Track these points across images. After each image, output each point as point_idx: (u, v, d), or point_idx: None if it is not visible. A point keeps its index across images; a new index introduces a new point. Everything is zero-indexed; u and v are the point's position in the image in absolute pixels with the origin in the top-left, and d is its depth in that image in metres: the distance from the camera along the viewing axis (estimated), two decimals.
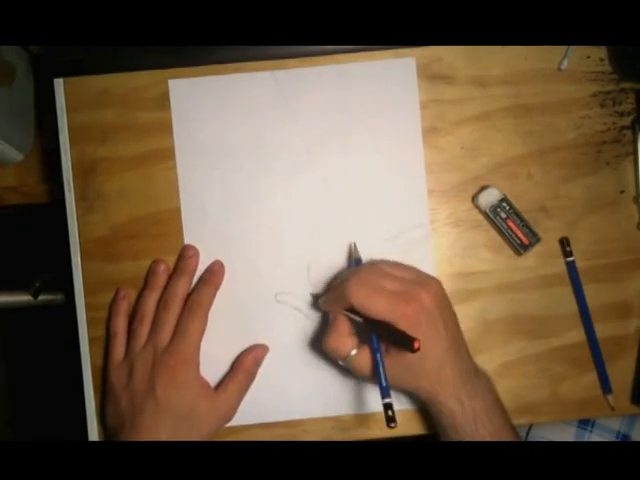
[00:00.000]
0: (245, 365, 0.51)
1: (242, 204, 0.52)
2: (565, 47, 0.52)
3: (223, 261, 0.52)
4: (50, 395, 1.01)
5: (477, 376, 0.47)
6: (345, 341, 0.46)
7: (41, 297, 0.68)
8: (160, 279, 0.51)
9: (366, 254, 0.51)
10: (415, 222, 0.52)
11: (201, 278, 0.52)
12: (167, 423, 0.48)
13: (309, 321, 0.52)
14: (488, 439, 0.45)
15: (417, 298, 0.45)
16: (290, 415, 0.52)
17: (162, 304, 0.50)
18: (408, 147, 0.52)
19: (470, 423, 0.45)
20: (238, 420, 0.51)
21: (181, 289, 0.50)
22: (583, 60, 0.53)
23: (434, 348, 0.45)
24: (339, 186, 0.52)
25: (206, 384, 0.50)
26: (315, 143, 0.52)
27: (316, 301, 0.51)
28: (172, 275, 0.51)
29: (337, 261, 0.52)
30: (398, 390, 0.49)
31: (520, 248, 0.51)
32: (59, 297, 0.69)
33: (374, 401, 0.52)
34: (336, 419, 0.52)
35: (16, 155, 0.57)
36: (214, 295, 0.51)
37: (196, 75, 0.52)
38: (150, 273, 0.52)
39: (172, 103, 0.52)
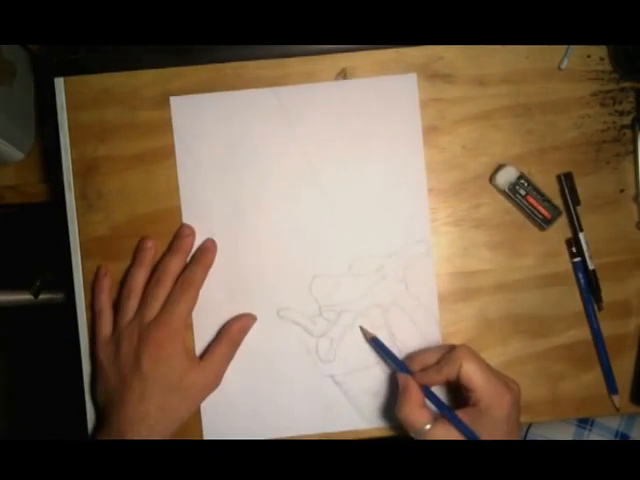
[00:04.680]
0: (231, 333, 0.50)
1: (243, 220, 0.52)
2: (565, 46, 0.52)
3: (224, 277, 0.52)
4: (50, 394, 1.01)
5: None
6: (420, 413, 0.45)
7: (41, 296, 0.68)
8: (148, 255, 0.51)
9: (367, 269, 0.52)
10: (416, 238, 0.52)
11: (193, 256, 0.51)
12: (155, 396, 0.48)
13: (311, 337, 0.52)
14: None
15: (514, 391, 0.46)
16: (292, 432, 0.52)
17: (154, 280, 0.50)
18: (410, 165, 0.52)
19: None
20: (239, 436, 0.51)
21: (174, 267, 0.50)
22: (583, 59, 0.53)
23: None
24: (340, 201, 0.52)
25: (192, 356, 0.50)
26: (316, 160, 0.52)
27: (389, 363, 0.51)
28: (166, 253, 0.51)
29: (339, 276, 0.52)
30: None
31: (543, 223, 0.51)
32: (59, 296, 0.69)
33: (377, 418, 0.52)
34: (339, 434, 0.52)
35: (16, 154, 0.57)
36: (206, 273, 0.51)
37: (196, 73, 0.52)
38: (138, 249, 0.51)
39: (174, 120, 0.52)
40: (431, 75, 0.52)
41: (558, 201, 0.52)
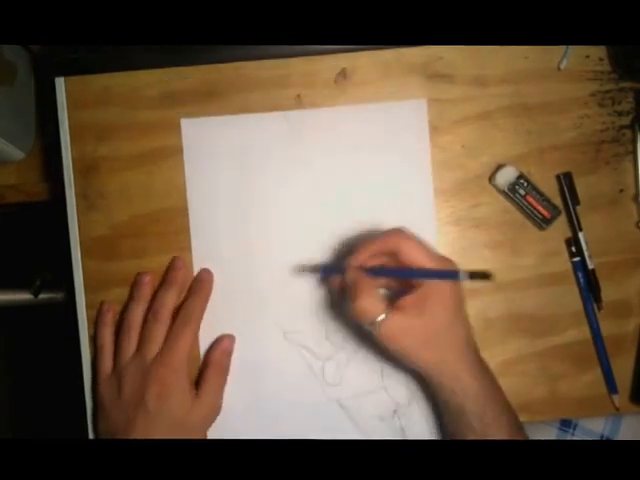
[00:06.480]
0: (216, 360, 0.50)
1: (251, 247, 0.52)
2: (564, 47, 0.52)
3: (233, 298, 0.52)
4: (50, 393, 1.01)
5: (481, 357, 0.47)
6: (374, 302, 0.44)
7: (42, 295, 0.68)
8: (146, 290, 0.51)
9: None
10: None
11: (190, 288, 0.51)
12: (160, 434, 0.48)
13: (317, 360, 0.52)
14: (492, 424, 0.45)
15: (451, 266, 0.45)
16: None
17: (151, 315, 0.50)
18: (418, 198, 0.52)
19: (481, 403, 0.45)
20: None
21: (170, 300, 0.50)
22: (582, 59, 0.53)
23: (459, 319, 0.45)
24: (347, 221, 0.52)
25: (193, 391, 0.50)
26: (325, 182, 0.52)
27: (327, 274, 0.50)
28: (161, 286, 0.51)
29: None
30: (411, 364, 0.46)
31: (542, 223, 0.51)
32: (60, 295, 0.69)
33: (378, 433, 0.51)
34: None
35: (17, 154, 0.57)
36: (205, 304, 0.51)
37: (196, 74, 0.52)
38: (135, 284, 0.51)
39: (184, 142, 0.52)
40: (431, 75, 0.52)
41: (557, 201, 0.52)
